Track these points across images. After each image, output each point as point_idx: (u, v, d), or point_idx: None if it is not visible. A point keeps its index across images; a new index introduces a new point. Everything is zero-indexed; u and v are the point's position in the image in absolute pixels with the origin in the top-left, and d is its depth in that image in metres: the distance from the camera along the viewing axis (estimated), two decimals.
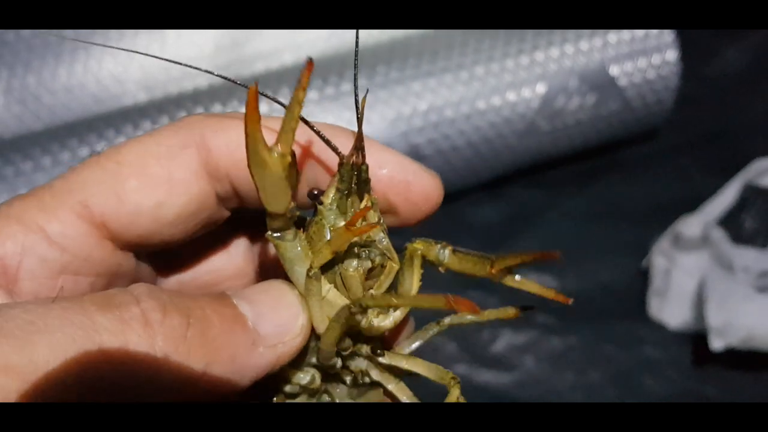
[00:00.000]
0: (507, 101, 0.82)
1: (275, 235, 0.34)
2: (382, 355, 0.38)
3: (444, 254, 0.37)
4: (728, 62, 1.04)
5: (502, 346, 0.76)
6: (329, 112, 0.78)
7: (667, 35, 0.86)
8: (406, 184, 0.36)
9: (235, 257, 0.42)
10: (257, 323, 0.32)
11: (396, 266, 0.36)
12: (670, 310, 0.77)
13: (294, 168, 0.32)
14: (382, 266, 0.36)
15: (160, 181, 0.34)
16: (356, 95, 0.36)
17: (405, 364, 0.38)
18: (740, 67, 1.03)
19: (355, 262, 0.35)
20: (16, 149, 0.75)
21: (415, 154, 0.81)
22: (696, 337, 0.75)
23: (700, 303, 0.74)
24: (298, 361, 0.36)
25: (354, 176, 0.35)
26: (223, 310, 0.31)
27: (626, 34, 0.85)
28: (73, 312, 0.27)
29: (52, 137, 0.77)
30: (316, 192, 0.36)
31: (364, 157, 0.35)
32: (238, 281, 0.42)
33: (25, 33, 0.84)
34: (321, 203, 0.35)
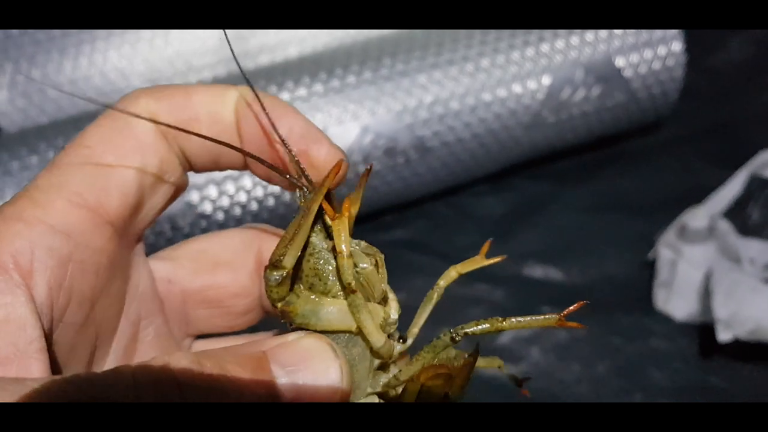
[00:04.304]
0: (512, 93, 0.82)
1: (281, 304, 0.34)
2: (406, 339, 0.37)
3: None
4: (733, 54, 1.04)
5: (508, 337, 0.76)
6: (334, 104, 0.78)
7: None
8: (306, 151, 0.37)
9: (241, 277, 0.42)
10: (295, 398, 0.31)
11: (382, 255, 0.36)
12: (677, 301, 0.77)
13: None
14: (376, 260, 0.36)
15: (133, 149, 0.36)
16: (278, 132, 0.37)
17: (416, 328, 0.38)
18: (745, 59, 1.03)
19: (365, 263, 0.34)
20: (22, 143, 0.75)
21: (421, 146, 0.81)
22: (702, 329, 0.75)
23: (706, 295, 0.74)
24: None
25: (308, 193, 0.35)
26: (256, 381, 0.30)
27: None
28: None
29: (57, 131, 0.77)
30: None
31: (309, 179, 0.36)
32: (242, 300, 0.42)
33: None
34: None
